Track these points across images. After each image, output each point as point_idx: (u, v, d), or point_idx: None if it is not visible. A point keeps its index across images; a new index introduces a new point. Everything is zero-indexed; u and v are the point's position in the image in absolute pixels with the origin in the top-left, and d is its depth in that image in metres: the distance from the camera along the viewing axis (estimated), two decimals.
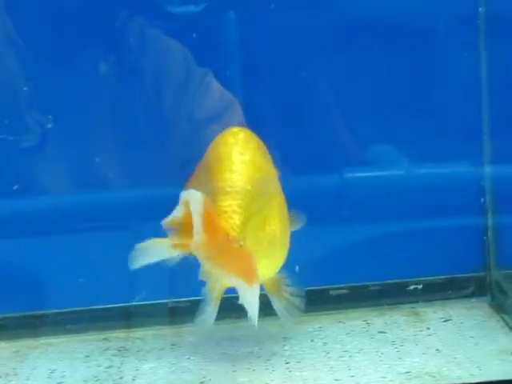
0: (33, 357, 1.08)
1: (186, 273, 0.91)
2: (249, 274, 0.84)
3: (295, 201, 1.00)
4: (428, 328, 1.08)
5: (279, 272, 0.99)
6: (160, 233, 0.86)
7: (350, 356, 1.01)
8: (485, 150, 1.15)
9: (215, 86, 1.14)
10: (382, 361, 0.99)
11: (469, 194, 1.16)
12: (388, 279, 1.15)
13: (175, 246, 0.86)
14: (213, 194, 0.89)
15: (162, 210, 0.86)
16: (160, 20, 1.13)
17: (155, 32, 1.13)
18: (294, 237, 1.01)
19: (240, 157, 0.93)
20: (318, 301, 1.12)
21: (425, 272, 1.15)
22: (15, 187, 1.13)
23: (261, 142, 0.98)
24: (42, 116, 1.12)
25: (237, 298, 0.84)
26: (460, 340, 1.04)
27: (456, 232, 1.15)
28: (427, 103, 1.16)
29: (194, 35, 1.12)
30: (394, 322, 1.11)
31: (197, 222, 0.81)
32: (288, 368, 0.98)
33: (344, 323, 1.11)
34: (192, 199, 0.82)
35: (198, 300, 0.97)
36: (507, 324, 1.07)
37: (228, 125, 1.02)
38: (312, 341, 1.06)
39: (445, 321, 1.10)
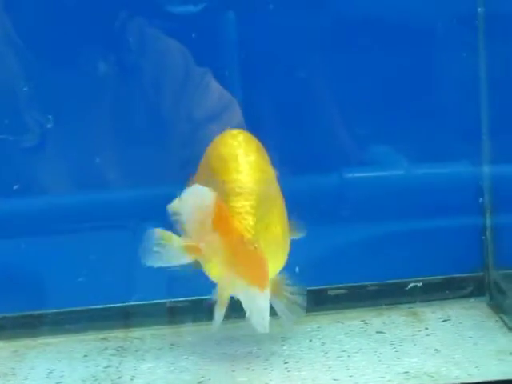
0: (31, 356, 1.08)
1: (184, 273, 0.91)
2: (261, 278, 0.82)
3: (295, 201, 1.00)
4: (426, 328, 1.08)
5: (279, 273, 0.99)
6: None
7: (349, 356, 1.01)
8: (484, 150, 1.15)
9: (214, 85, 1.14)
10: (380, 361, 0.98)
11: (467, 194, 1.16)
12: (386, 279, 1.15)
13: (186, 249, 0.85)
14: (223, 195, 0.88)
15: (162, 210, 0.86)
16: (159, 20, 1.13)
17: (154, 32, 1.13)
18: None
19: (245, 158, 0.93)
20: (316, 301, 1.11)
21: (423, 272, 1.15)
22: (15, 187, 1.13)
23: (260, 144, 0.98)
24: (41, 116, 1.12)
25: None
26: (458, 340, 1.04)
27: (455, 232, 1.15)
28: (426, 103, 1.16)
29: (193, 35, 1.12)
30: (392, 322, 1.11)
31: (210, 222, 0.80)
32: (287, 368, 0.98)
33: (342, 323, 1.11)
34: (204, 198, 0.80)
35: (197, 300, 0.97)
36: (506, 324, 1.07)
37: (227, 125, 1.02)
38: (310, 341, 1.06)
39: (443, 321, 1.10)
